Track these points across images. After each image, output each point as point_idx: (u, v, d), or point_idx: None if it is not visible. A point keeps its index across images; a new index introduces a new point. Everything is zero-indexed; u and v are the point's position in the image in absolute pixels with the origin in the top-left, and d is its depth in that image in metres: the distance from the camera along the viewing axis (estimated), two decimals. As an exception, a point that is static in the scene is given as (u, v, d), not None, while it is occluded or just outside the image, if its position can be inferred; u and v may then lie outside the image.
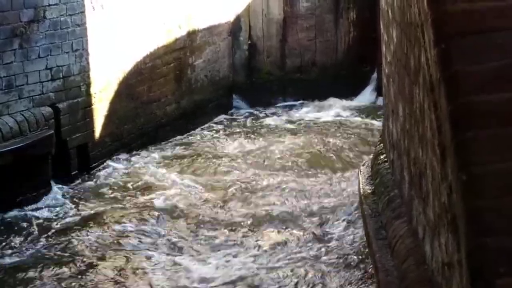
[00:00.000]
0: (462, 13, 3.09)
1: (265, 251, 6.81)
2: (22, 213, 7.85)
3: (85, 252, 6.89)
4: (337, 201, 7.92)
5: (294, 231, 7.17)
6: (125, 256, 6.78)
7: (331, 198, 8.07)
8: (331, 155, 9.69)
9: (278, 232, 7.23)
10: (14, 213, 7.83)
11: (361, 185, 6.22)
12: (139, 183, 8.81)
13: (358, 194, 6.32)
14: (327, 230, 7.13)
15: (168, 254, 6.85)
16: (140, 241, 7.14)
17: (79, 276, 6.41)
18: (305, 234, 7.07)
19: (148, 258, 6.75)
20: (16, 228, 7.56)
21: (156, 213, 7.76)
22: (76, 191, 8.57)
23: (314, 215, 7.57)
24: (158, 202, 8.14)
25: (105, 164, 9.34)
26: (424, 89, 3.70)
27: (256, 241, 7.06)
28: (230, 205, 8.06)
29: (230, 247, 6.96)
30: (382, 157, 6.10)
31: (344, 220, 7.25)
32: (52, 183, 8.46)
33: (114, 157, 9.56)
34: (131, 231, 7.35)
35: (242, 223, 7.52)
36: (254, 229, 7.37)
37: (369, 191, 5.95)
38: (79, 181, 8.83)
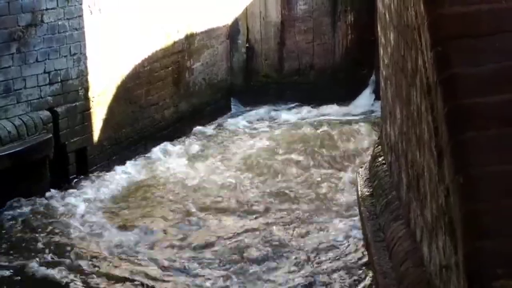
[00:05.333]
0: (458, 15, 3.09)
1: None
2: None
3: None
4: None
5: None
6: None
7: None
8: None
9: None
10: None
11: (359, 188, 6.21)
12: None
13: (356, 196, 6.31)
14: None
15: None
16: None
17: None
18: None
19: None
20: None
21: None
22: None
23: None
24: None
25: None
26: (421, 91, 3.71)
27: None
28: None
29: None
30: (380, 159, 6.09)
31: None
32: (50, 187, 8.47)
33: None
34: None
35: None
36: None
37: (367, 193, 5.94)
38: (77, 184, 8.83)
